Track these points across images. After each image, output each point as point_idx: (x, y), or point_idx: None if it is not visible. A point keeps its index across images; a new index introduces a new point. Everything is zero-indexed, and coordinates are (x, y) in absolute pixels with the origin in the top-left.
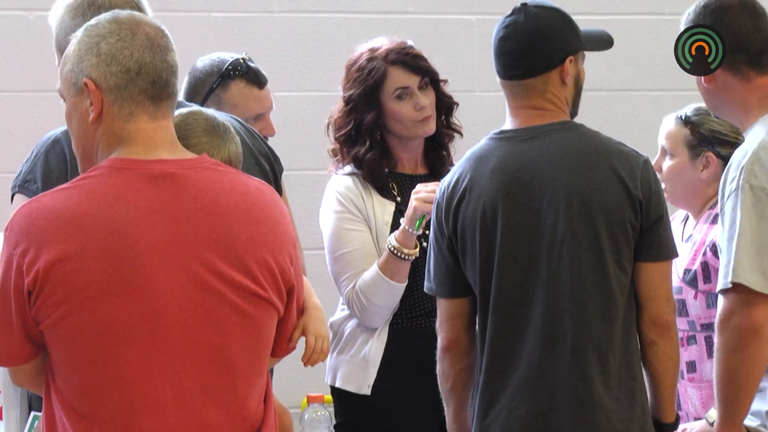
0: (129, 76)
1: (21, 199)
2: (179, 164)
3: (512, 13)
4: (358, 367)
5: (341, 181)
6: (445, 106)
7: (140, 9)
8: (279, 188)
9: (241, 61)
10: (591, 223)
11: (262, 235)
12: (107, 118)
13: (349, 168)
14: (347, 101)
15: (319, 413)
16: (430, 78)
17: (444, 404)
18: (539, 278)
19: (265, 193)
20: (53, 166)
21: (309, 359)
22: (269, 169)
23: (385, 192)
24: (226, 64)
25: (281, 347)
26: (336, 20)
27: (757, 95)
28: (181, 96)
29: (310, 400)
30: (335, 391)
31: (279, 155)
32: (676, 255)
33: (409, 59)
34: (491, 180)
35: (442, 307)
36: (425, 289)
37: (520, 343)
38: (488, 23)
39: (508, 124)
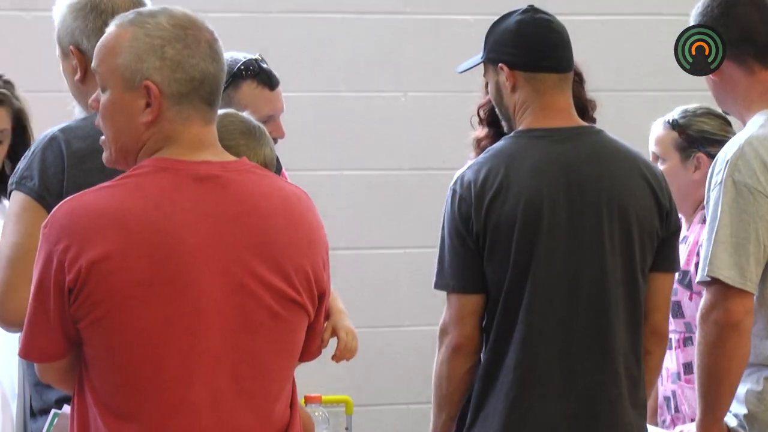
0: (192, 84)
1: (17, 196)
2: (222, 166)
3: (535, 12)
4: None
5: None
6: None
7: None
8: None
9: (254, 61)
10: (627, 228)
11: (299, 240)
12: (160, 120)
13: None
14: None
15: (317, 413)
16: None
17: (435, 411)
18: (576, 279)
19: (302, 198)
20: (50, 163)
21: (341, 354)
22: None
23: None
24: (239, 64)
25: (307, 352)
26: (334, 20)
27: (759, 89)
28: None
29: (308, 400)
30: None
31: (277, 155)
32: (680, 268)
33: None
34: (532, 178)
35: (458, 304)
36: (436, 287)
37: (554, 343)
38: (486, 24)
39: (532, 122)
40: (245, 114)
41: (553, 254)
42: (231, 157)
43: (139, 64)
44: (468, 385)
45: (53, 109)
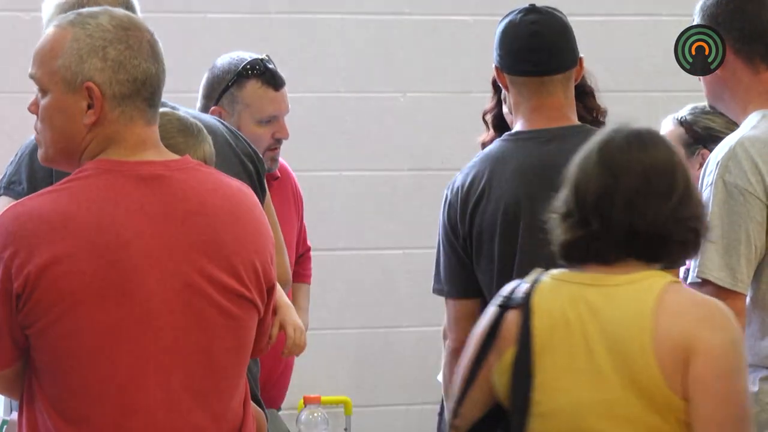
0: (135, 85)
1: (6, 201)
2: (166, 165)
3: (527, 12)
4: None
5: None
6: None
7: (132, 11)
8: (263, 189)
9: (260, 61)
10: None
11: (247, 236)
12: (103, 122)
13: None
14: None
15: (316, 414)
16: None
17: (447, 414)
18: None
19: (247, 194)
20: (38, 166)
21: (289, 351)
22: (253, 169)
23: None
24: (244, 63)
25: (256, 348)
26: (332, 21)
27: (759, 90)
28: (198, 92)
29: (307, 401)
30: None
31: (278, 159)
32: (683, 263)
33: None
34: (512, 181)
35: (453, 308)
36: (433, 291)
37: None
38: (485, 24)
39: (523, 125)
40: (182, 111)
41: (536, 256)
42: (174, 156)
43: (80, 66)
44: None
45: None
